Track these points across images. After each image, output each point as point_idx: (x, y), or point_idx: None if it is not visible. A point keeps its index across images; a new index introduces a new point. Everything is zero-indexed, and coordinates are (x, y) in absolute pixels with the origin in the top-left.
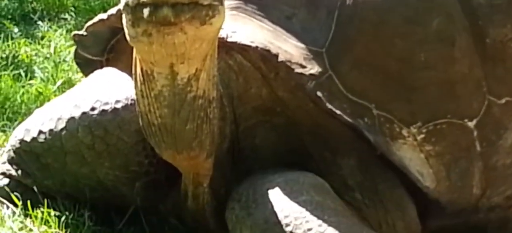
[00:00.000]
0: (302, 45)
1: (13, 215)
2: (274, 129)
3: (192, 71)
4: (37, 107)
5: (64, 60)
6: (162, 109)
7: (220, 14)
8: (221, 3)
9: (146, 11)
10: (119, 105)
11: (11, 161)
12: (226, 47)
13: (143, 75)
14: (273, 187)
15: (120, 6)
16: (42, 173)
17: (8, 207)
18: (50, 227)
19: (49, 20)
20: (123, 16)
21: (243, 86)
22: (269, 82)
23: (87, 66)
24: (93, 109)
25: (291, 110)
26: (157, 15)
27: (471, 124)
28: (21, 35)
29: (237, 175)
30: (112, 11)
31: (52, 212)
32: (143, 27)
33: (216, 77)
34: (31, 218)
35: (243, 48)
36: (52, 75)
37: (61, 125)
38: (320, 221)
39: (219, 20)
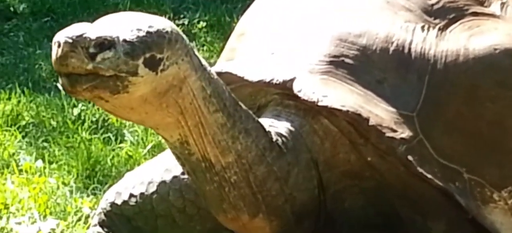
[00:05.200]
0: (393, 109)
1: None
2: (363, 192)
3: (175, 136)
4: (127, 170)
5: None
6: (185, 170)
7: (135, 84)
8: (134, 74)
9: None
10: None
11: (102, 224)
12: (313, 112)
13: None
14: None
15: None
16: None
17: None
18: None
19: None
20: None
21: (330, 151)
22: (357, 147)
23: None
24: (184, 173)
25: (381, 174)
26: (62, 82)
27: None
28: None
29: None
30: None
31: None
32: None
33: (240, 144)
34: None
35: (331, 113)
36: (142, 139)
37: (152, 188)
38: None
39: (138, 89)
